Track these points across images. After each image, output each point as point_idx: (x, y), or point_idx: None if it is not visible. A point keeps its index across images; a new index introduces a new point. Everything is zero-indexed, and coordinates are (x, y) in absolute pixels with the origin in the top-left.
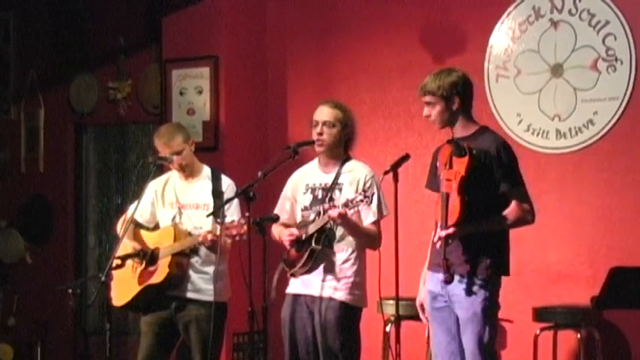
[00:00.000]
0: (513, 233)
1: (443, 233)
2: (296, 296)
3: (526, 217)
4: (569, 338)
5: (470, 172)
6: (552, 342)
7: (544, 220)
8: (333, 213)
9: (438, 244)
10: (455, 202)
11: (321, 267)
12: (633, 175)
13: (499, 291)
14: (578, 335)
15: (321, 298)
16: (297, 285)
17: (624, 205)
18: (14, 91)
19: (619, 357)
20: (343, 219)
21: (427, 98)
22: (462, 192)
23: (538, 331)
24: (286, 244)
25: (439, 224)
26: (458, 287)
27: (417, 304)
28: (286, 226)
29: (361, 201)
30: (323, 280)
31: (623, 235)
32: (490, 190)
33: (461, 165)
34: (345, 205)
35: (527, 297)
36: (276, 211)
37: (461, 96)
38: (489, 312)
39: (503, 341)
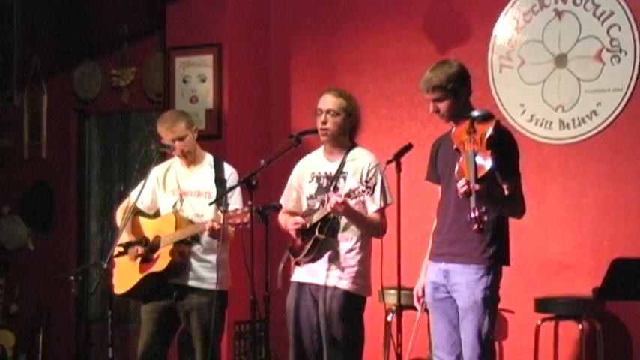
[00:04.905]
0: (515, 224)
1: (477, 187)
2: (301, 284)
3: (520, 210)
4: (570, 329)
5: (497, 132)
6: (554, 332)
7: (546, 210)
8: (332, 203)
9: (463, 191)
10: (483, 158)
11: (326, 256)
12: (636, 167)
13: (500, 281)
14: (580, 326)
15: (325, 287)
16: (302, 273)
17: (627, 196)
18: (18, 77)
19: (620, 348)
20: (344, 209)
21: (435, 94)
22: (490, 147)
23: (539, 322)
24: (292, 233)
25: (463, 180)
26: (460, 275)
27: (414, 291)
28: (293, 214)
29: (363, 192)
30: (328, 269)
31: (625, 227)
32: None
33: (487, 126)
34: (348, 195)
35: (529, 287)
36: (282, 200)
37: (466, 86)
38: (490, 302)
39: (504, 332)
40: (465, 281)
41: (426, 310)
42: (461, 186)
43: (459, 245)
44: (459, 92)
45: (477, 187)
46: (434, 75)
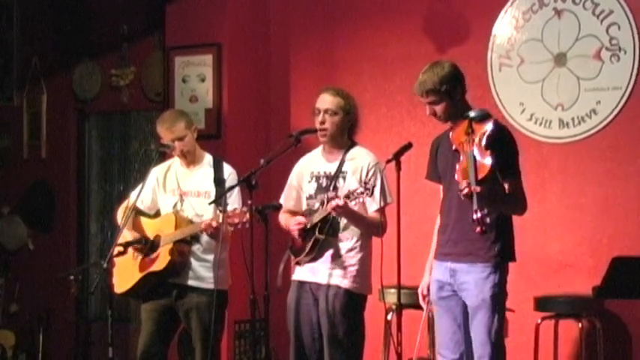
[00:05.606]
0: (514, 223)
1: (478, 189)
2: (301, 283)
3: (521, 208)
4: (570, 328)
5: (495, 131)
6: (553, 331)
7: (546, 209)
8: (332, 205)
9: (464, 193)
10: (483, 158)
11: (327, 255)
12: (635, 165)
13: (506, 278)
14: (580, 325)
15: (328, 285)
16: (304, 272)
17: (626, 195)
18: (17, 77)
19: (620, 346)
20: (343, 210)
21: (429, 97)
22: (489, 147)
23: (539, 321)
24: (294, 233)
25: (464, 182)
26: (467, 274)
27: (419, 289)
28: (293, 213)
29: (362, 193)
30: (329, 269)
31: (624, 225)
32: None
33: (485, 126)
34: (347, 196)
35: (529, 286)
36: (282, 199)
37: (461, 86)
38: (498, 299)
39: (504, 330)
40: (473, 280)
41: (431, 310)
42: (462, 188)
43: (463, 245)
44: (453, 93)
45: (478, 188)
46: (427, 78)
